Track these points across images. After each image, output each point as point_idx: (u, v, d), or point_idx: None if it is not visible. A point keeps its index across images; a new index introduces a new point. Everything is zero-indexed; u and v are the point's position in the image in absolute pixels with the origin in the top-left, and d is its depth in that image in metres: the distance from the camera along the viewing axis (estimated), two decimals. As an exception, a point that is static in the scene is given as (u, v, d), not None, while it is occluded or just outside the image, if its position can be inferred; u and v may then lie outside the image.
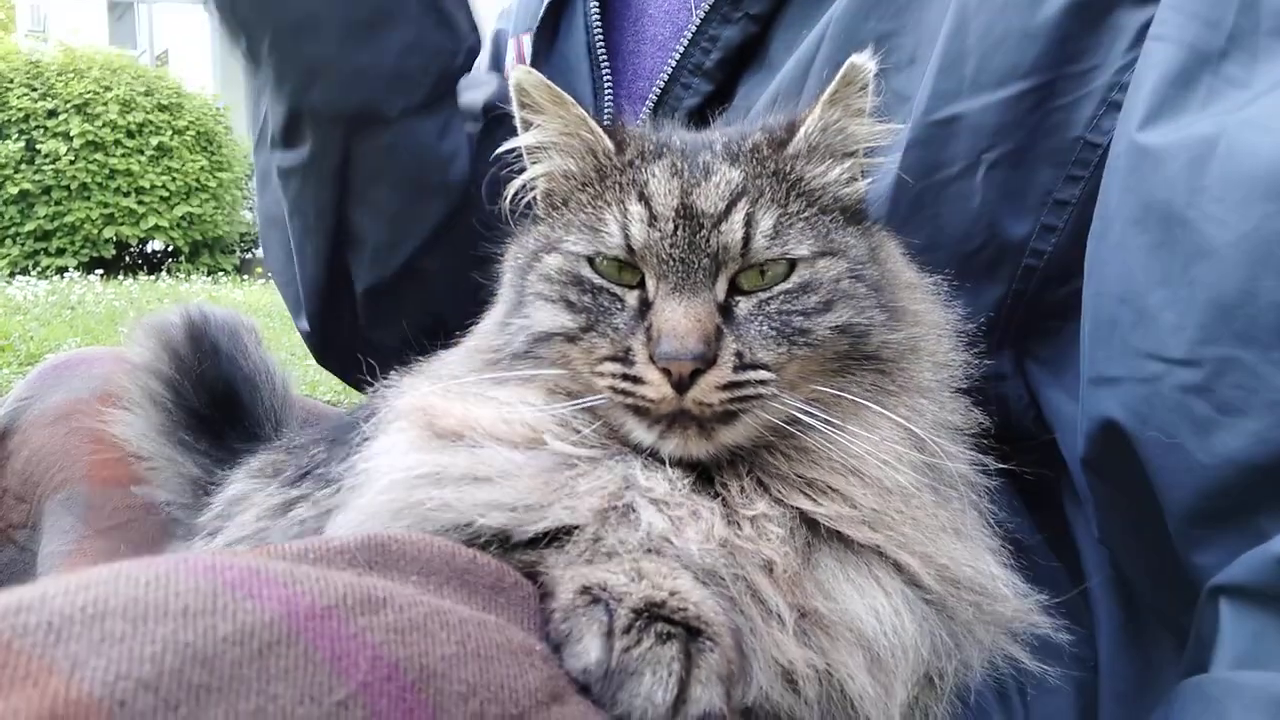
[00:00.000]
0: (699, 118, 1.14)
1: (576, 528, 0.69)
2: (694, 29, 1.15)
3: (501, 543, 0.71)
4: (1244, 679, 0.65)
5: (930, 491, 0.76)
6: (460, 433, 0.77)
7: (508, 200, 0.93)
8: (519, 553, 0.70)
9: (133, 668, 0.42)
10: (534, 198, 0.91)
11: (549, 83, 0.84)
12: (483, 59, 1.50)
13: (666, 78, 1.20)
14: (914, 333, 0.82)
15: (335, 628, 0.48)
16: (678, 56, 1.18)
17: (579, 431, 0.76)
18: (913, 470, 0.74)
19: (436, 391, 0.84)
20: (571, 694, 0.58)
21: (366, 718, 0.46)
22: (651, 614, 0.62)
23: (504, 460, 0.74)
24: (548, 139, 0.86)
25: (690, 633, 0.62)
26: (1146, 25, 0.84)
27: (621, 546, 0.67)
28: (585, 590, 0.63)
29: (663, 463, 0.74)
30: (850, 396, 0.76)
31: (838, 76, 0.80)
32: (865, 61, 0.79)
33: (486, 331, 0.91)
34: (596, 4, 1.29)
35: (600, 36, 1.28)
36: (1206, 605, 0.70)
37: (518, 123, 0.88)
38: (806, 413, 0.73)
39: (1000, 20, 0.90)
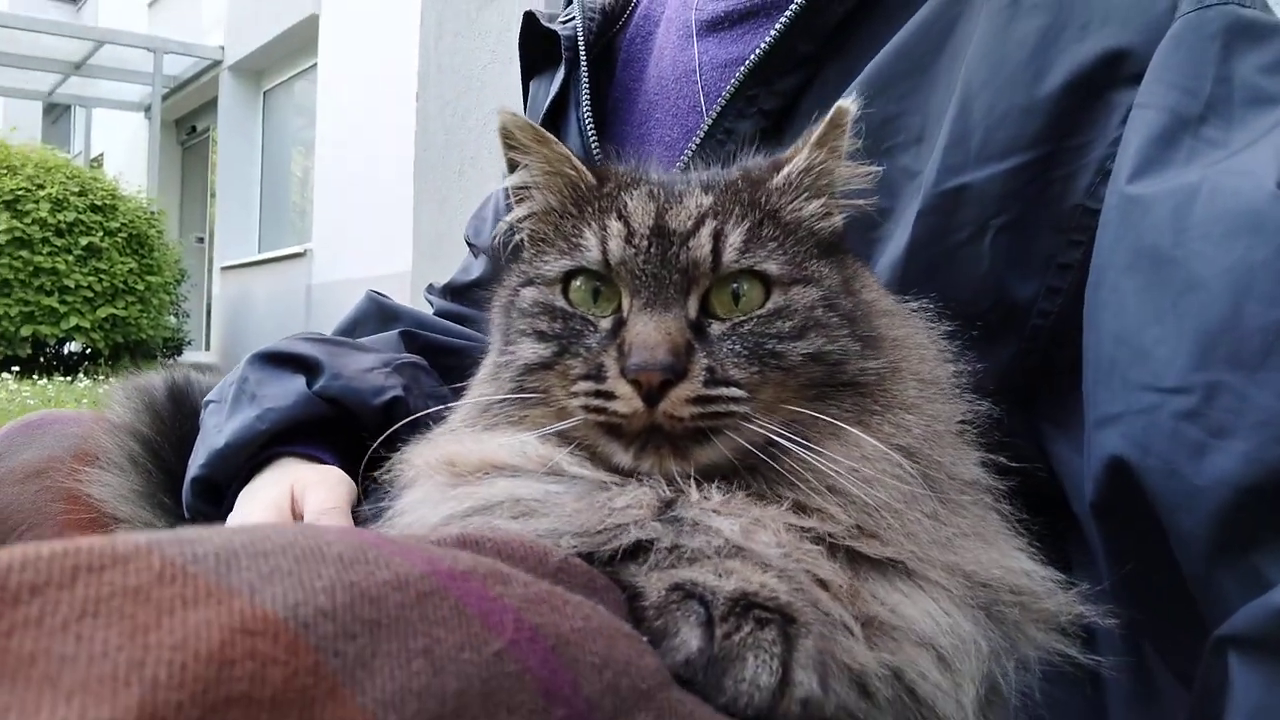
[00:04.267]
0: None
1: (652, 541, 0.68)
2: (710, 122, 1.21)
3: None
4: None
5: (935, 502, 0.75)
6: (482, 469, 0.77)
7: (496, 239, 0.95)
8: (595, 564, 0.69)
9: (309, 597, 0.41)
10: (521, 240, 0.92)
11: (532, 123, 0.87)
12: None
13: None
14: (893, 356, 0.83)
15: (477, 588, 0.48)
16: (691, 152, 1.23)
17: (584, 458, 0.76)
18: (900, 485, 0.74)
19: (441, 442, 0.84)
20: (676, 686, 0.57)
21: (520, 672, 0.45)
22: (747, 602, 0.61)
23: (540, 490, 0.73)
24: (532, 178, 0.89)
25: (785, 619, 0.61)
26: None
27: (701, 553, 0.67)
28: (677, 587, 0.63)
29: (689, 477, 0.73)
30: (827, 419, 0.76)
31: (825, 120, 0.84)
32: (850, 105, 0.84)
33: (480, 380, 0.92)
34: (590, 109, 1.35)
35: (594, 137, 1.33)
36: (1214, 656, 0.71)
37: (505, 165, 0.91)
38: (782, 435, 0.73)
39: (1002, 99, 0.96)
